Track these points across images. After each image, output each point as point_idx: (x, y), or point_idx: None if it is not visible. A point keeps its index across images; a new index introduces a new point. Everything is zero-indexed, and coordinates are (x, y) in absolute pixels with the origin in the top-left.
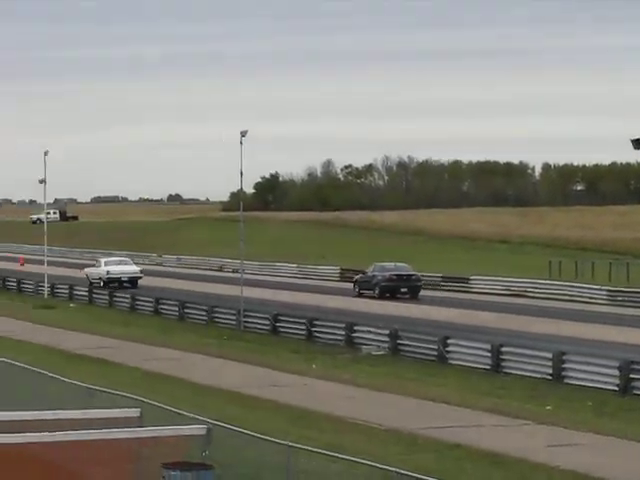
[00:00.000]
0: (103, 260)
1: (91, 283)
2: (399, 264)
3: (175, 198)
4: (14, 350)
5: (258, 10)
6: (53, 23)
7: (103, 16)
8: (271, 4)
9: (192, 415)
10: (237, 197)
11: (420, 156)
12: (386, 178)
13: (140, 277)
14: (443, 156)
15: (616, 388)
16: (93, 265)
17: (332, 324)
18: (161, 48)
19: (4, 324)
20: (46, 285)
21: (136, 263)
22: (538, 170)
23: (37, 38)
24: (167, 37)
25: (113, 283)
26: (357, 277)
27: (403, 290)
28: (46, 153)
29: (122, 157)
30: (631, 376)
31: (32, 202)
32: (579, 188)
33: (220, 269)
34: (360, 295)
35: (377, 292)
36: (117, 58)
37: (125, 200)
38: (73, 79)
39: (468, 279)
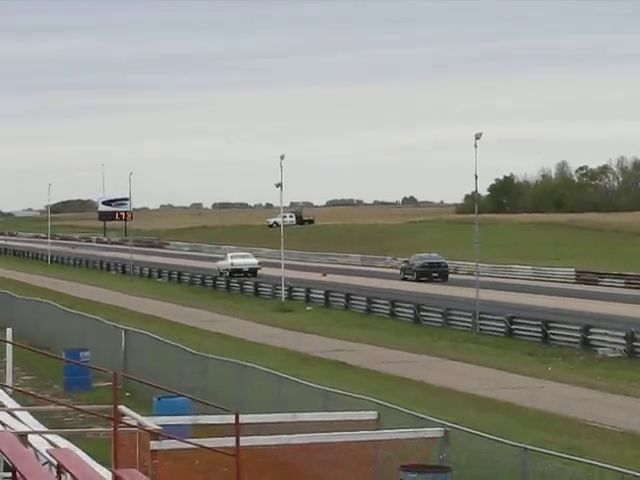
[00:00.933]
0: (229, 255)
1: (221, 274)
2: (432, 254)
3: (410, 201)
4: (254, 353)
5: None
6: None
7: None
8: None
9: (429, 418)
10: (471, 199)
11: None
12: (621, 179)
13: (259, 268)
14: None
15: None
16: (223, 259)
17: (568, 326)
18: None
19: (243, 328)
20: (283, 288)
21: (368, 265)
22: None
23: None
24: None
25: (238, 273)
26: (402, 265)
27: (434, 275)
28: (282, 157)
29: (357, 161)
30: None
31: (269, 206)
32: None
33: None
34: (405, 279)
35: (415, 276)
36: (342, 66)
37: (360, 203)
38: (303, 85)
39: None
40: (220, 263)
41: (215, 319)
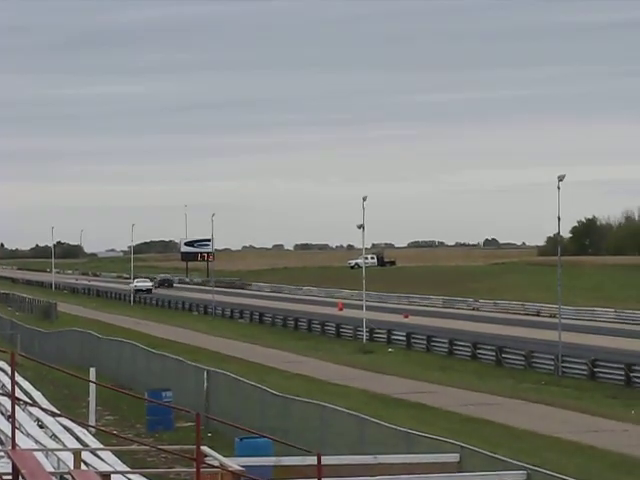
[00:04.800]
0: (135, 280)
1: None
2: None
3: (491, 242)
4: (335, 395)
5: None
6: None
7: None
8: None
9: (511, 460)
10: (553, 241)
11: None
12: None
13: (151, 289)
14: None
15: None
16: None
17: None
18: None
19: (323, 369)
20: (365, 329)
21: (450, 307)
22: None
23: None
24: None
25: (140, 292)
26: None
27: None
28: (364, 199)
29: (438, 202)
30: None
31: (350, 247)
32: None
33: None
34: None
35: None
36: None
37: (442, 244)
38: (383, 125)
39: None
40: (130, 285)
41: (296, 360)
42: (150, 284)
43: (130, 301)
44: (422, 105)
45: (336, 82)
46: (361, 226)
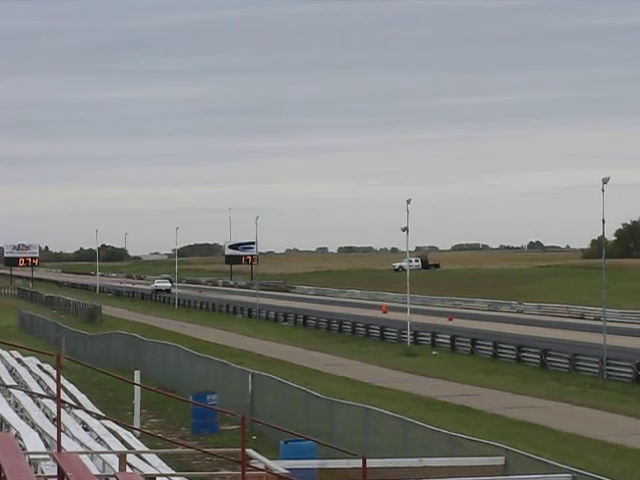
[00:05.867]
0: (155, 280)
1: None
2: None
3: (536, 245)
4: (379, 397)
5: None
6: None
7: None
8: None
9: (556, 464)
10: (598, 244)
11: None
12: None
13: (170, 289)
14: None
15: None
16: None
17: None
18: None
19: (367, 372)
20: (409, 332)
21: (494, 310)
22: None
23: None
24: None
25: (160, 292)
26: None
27: None
28: (408, 202)
29: (483, 205)
30: None
31: (394, 250)
32: None
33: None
34: None
35: None
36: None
37: (486, 247)
38: (440, 128)
39: None
40: (151, 286)
41: (340, 363)
42: (169, 284)
43: (174, 304)
44: (468, 107)
45: (378, 84)
46: (405, 229)
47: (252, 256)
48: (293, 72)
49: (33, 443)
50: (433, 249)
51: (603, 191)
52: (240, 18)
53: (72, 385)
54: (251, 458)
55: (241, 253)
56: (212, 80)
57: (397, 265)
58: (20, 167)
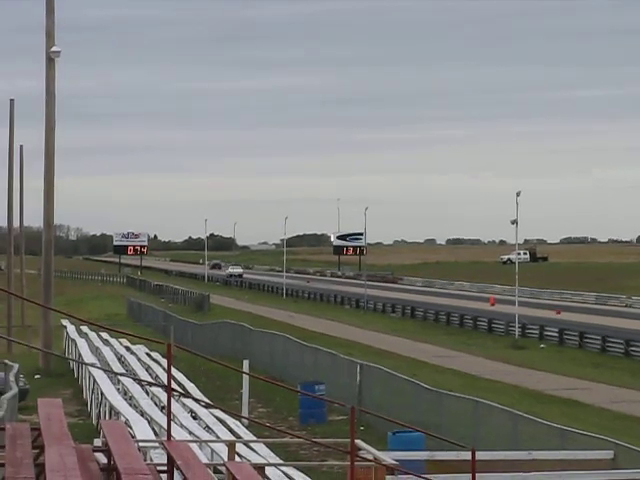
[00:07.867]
0: (230, 266)
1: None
2: None
3: None
4: (486, 390)
5: None
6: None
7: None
8: None
9: None
10: None
11: None
12: None
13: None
14: None
15: None
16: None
17: None
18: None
19: (475, 364)
20: (517, 325)
21: (602, 304)
22: None
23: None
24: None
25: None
26: None
27: None
28: (518, 194)
29: (592, 198)
30: None
31: (502, 242)
32: None
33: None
34: None
35: None
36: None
37: (594, 241)
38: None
39: None
40: (226, 271)
41: (447, 355)
42: (241, 270)
43: (282, 294)
44: (581, 100)
45: (491, 77)
46: (514, 221)
47: (360, 247)
48: (405, 64)
49: (142, 431)
50: (541, 242)
51: None
52: (356, 9)
53: (181, 374)
54: (360, 449)
55: (349, 244)
56: (324, 71)
57: (505, 257)
58: (133, 156)
